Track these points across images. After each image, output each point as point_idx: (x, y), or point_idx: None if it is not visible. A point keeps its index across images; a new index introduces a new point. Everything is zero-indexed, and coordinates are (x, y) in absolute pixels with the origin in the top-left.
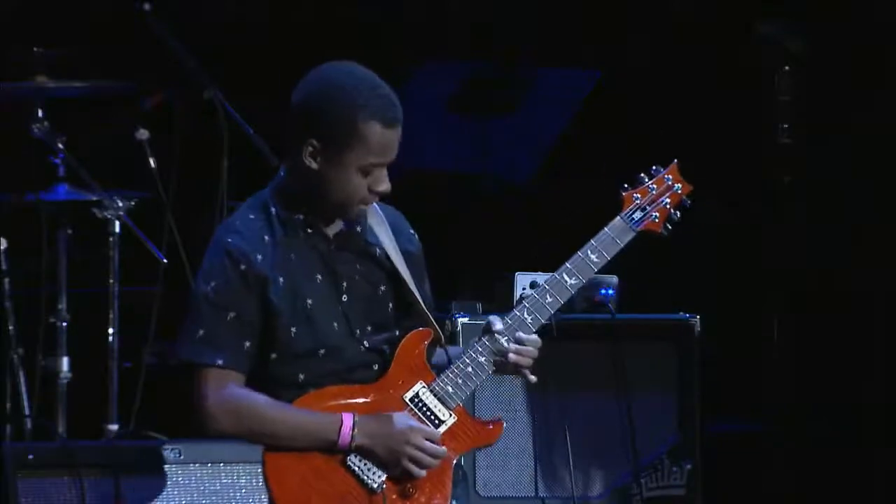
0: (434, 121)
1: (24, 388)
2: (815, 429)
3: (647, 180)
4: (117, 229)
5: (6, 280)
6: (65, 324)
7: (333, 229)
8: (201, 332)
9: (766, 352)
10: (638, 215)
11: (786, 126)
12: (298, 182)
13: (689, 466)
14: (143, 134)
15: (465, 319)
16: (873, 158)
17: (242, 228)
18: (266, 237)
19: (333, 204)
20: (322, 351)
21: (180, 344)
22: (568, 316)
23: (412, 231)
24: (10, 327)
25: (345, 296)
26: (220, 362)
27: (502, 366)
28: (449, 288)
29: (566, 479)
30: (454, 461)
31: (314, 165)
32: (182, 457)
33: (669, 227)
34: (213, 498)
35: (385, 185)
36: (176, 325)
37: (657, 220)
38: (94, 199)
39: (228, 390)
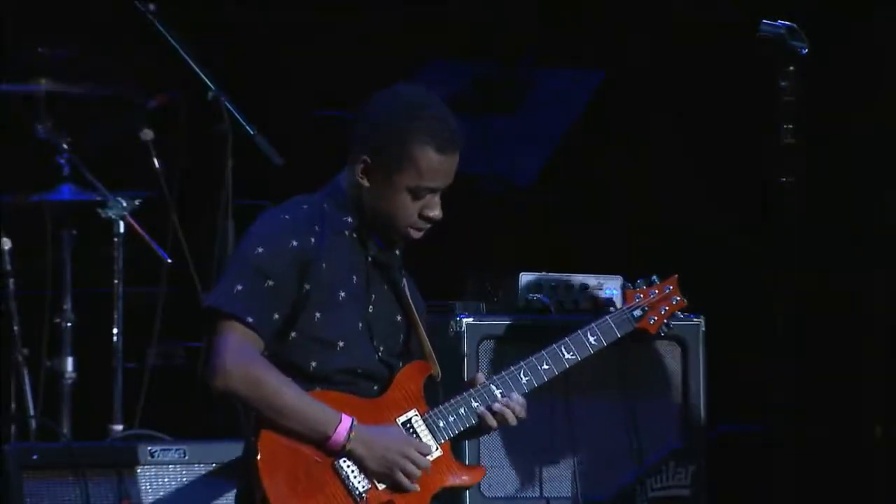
0: None
1: (28, 389)
2: (819, 430)
3: (646, 286)
4: (121, 229)
5: (10, 280)
6: (69, 324)
7: (374, 247)
8: (240, 287)
9: (771, 353)
10: (637, 313)
11: (789, 126)
12: (353, 193)
13: (693, 467)
14: (147, 134)
15: (469, 320)
16: (875, 158)
17: (297, 212)
18: (316, 227)
19: (381, 221)
20: (341, 344)
21: (215, 293)
22: (573, 317)
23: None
24: (15, 328)
25: (371, 307)
26: (250, 320)
27: (485, 418)
28: (452, 288)
29: (571, 480)
30: (431, 494)
31: (365, 182)
32: (186, 457)
33: (661, 335)
34: (218, 498)
35: (436, 212)
36: (180, 326)
37: (653, 323)
38: (99, 199)
39: (250, 353)
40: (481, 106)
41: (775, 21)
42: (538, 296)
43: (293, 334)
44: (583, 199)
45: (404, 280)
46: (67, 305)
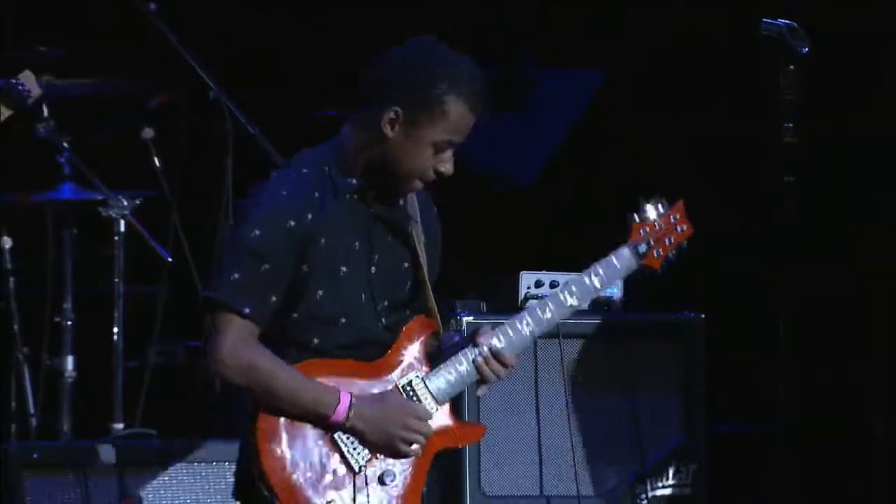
0: None
1: (29, 388)
2: (819, 429)
3: (653, 215)
4: (122, 228)
5: (11, 279)
6: (70, 323)
7: (376, 203)
8: (236, 275)
9: (771, 352)
10: (643, 248)
11: (790, 125)
12: (365, 147)
13: (694, 466)
14: (148, 133)
15: (470, 318)
16: (875, 158)
17: (297, 182)
18: (316, 194)
19: (396, 174)
20: (343, 320)
21: (213, 283)
22: (574, 315)
23: (435, 209)
24: (15, 326)
25: (374, 268)
26: (247, 311)
27: (481, 369)
28: (454, 286)
29: (571, 479)
30: (432, 455)
31: (390, 133)
32: (187, 455)
33: (665, 266)
34: (218, 497)
35: (449, 167)
36: (181, 325)
37: (658, 257)
38: (100, 198)
39: (246, 342)
40: None
41: (776, 20)
42: (539, 294)
43: (295, 314)
44: (583, 199)
45: (411, 224)
46: (68, 304)
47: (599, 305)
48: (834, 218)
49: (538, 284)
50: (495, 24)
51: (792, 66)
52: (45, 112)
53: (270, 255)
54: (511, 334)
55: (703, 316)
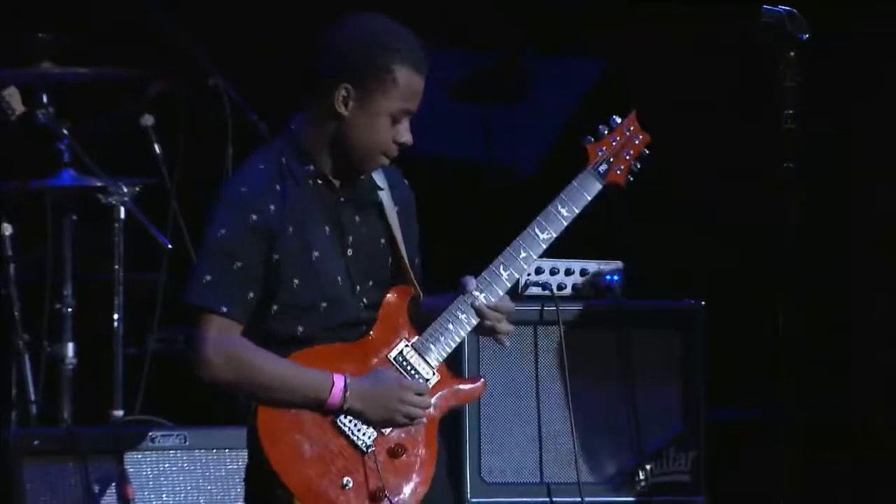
0: (438, 109)
1: (29, 375)
2: (819, 417)
3: (607, 132)
4: (122, 215)
5: (11, 266)
6: (70, 310)
7: (341, 185)
8: (209, 277)
9: (771, 340)
10: (603, 168)
11: (789, 112)
12: (321, 133)
13: (693, 453)
14: (147, 120)
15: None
16: (876, 149)
17: (254, 178)
18: (277, 186)
19: (357, 152)
20: (324, 304)
21: (188, 289)
22: (573, 302)
23: (405, 181)
24: (16, 313)
25: (350, 250)
26: (224, 310)
27: (480, 325)
28: (453, 275)
29: (571, 466)
30: (438, 419)
31: (345, 111)
32: (187, 443)
33: (631, 179)
34: (219, 484)
35: (408, 137)
36: (181, 312)
37: (620, 173)
38: (99, 185)
39: (228, 339)
40: (482, 96)
41: (776, 6)
42: (539, 281)
43: (275, 307)
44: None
45: (380, 200)
46: (68, 291)
47: (600, 292)
48: (835, 207)
49: (538, 271)
50: (494, 14)
51: (792, 53)
52: (45, 99)
53: (239, 252)
54: (489, 281)
55: (703, 303)
